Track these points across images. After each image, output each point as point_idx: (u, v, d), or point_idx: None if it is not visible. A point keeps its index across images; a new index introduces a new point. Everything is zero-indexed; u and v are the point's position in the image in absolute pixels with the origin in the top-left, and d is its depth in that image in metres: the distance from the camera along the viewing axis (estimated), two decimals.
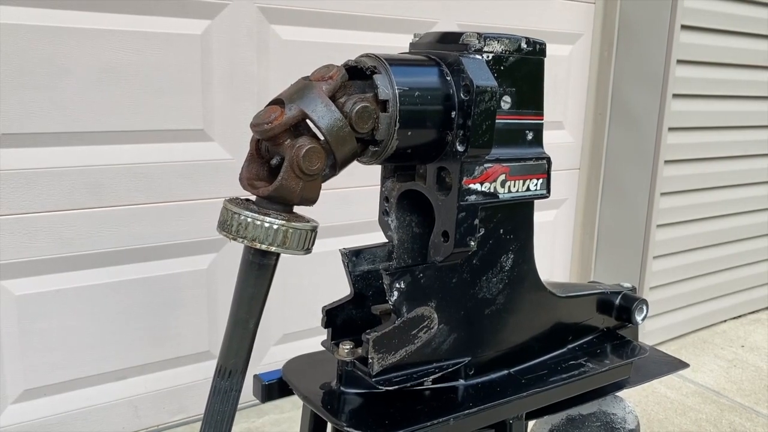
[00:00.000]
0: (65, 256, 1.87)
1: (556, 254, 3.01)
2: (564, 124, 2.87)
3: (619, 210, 2.88)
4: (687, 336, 3.12)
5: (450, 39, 0.97)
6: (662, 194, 2.78)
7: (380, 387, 0.96)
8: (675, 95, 2.68)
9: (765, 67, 2.97)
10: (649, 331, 2.94)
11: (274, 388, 1.09)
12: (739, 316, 3.36)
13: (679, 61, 2.64)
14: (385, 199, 1.09)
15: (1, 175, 1.73)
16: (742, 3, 2.80)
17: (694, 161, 2.87)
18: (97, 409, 2.00)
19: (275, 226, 0.82)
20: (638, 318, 1.28)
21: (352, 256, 1.05)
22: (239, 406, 2.27)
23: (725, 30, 2.77)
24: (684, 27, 2.62)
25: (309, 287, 2.27)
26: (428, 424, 0.95)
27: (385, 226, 1.09)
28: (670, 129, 2.71)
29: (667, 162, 2.75)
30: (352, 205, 2.28)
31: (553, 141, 2.86)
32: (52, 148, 1.81)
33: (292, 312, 2.28)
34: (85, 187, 1.86)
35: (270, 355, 2.29)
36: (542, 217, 2.92)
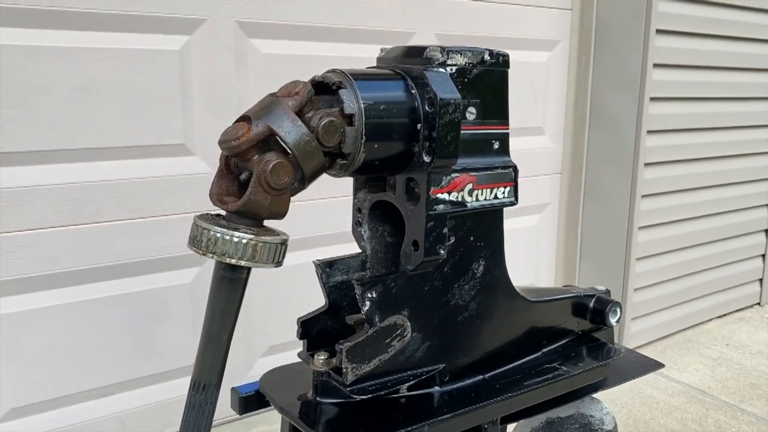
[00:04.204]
0: (49, 273, 1.88)
1: (541, 258, 3.04)
2: (544, 129, 2.90)
3: (601, 213, 2.91)
4: (672, 336, 3.15)
5: (414, 53, 1.00)
6: (643, 196, 2.81)
7: (355, 396, 0.98)
8: (652, 98, 2.71)
9: (740, 69, 3.02)
10: (635, 332, 2.97)
11: (252, 401, 1.11)
12: (724, 315, 3.40)
13: (656, 65, 2.68)
14: (357, 209, 1.11)
15: None
16: (715, 6, 2.84)
17: (673, 163, 2.91)
18: (84, 425, 2.00)
19: (244, 241, 0.84)
20: (612, 320, 1.30)
21: (326, 267, 1.06)
22: (227, 419, 2.27)
23: (700, 33, 2.81)
24: (659, 31, 2.66)
25: (294, 299, 2.28)
26: (403, 431, 0.97)
27: (358, 237, 1.11)
28: (649, 132, 2.75)
29: (646, 164, 2.78)
30: (335, 216, 2.30)
31: (534, 146, 2.90)
32: (32, 167, 1.82)
33: (278, 324, 2.29)
34: (67, 205, 1.87)
35: (257, 367, 2.30)
36: (526, 221, 2.95)
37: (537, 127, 2.87)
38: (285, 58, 2.15)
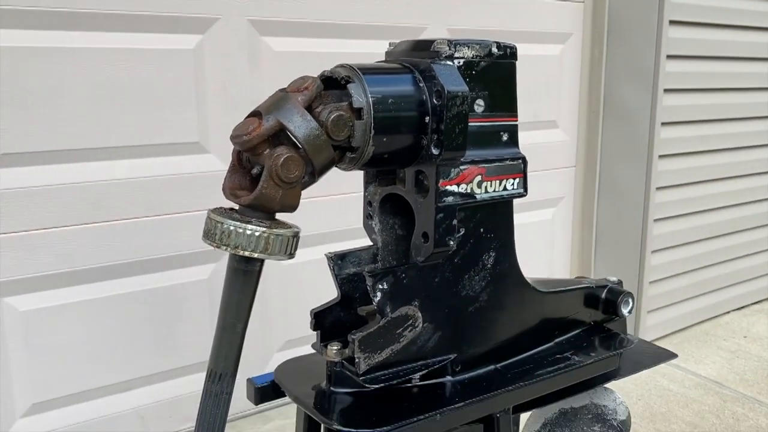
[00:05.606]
0: (68, 271, 1.91)
1: (556, 252, 3.03)
2: (558, 122, 2.89)
3: (615, 206, 2.90)
4: (689, 329, 3.13)
5: (422, 47, 1.01)
6: (658, 188, 2.80)
7: (368, 385, 0.99)
8: (666, 90, 2.70)
9: (753, 59, 2.99)
10: (651, 325, 2.95)
11: (267, 391, 1.13)
12: (742, 307, 3.37)
13: (669, 56, 2.67)
14: (368, 203, 1.12)
15: (3, 194, 1.77)
16: None
17: (687, 155, 2.89)
18: (105, 420, 2.03)
19: (257, 233, 0.86)
20: (624, 311, 1.31)
21: (338, 260, 1.08)
22: (245, 413, 2.29)
23: (713, 23, 2.79)
24: (672, 22, 2.64)
25: (310, 294, 2.28)
26: (415, 419, 0.98)
27: (369, 230, 1.13)
28: (663, 124, 2.73)
29: (661, 157, 2.77)
30: (349, 212, 2.31)
31: (547, 140, 2.89)
32: (51, 166, 1.85)
33: (294, 319, 2.31)
34: (84, 203, 1.90)
35: (274, 361, 2.32)
36: (540, 215, 2.95)
37: (550, 120, 2.86)
38: (297, 55, 2.17)
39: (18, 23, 1.73)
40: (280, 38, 2.15)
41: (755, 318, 3.28)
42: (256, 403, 1.13)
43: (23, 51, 1.74)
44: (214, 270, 2.15)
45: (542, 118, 2.82)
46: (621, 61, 2.77)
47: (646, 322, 2.92)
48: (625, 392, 2.57)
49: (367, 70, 0.94)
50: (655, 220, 2.83)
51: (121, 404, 2.06)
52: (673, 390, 2.57)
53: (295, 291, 2.29)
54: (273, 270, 2.09)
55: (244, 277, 0.90)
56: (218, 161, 2.08)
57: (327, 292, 2.42)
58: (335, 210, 2.30)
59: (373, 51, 2.28)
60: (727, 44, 2.87)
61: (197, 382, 2.18)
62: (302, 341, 2.33)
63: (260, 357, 2.29)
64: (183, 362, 2.15)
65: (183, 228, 2.05)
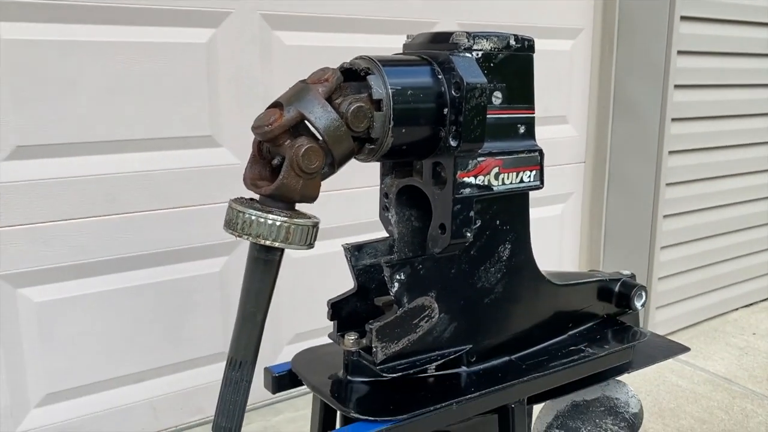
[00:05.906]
0: (82, 262, 1.93)
1: (565, 248, 3.04)
2: (568, 118, 2.90)
3: (625, 202, 2.90)
4: (698, 325, 3.13)
5: (441, 39, 1.02)
6: (667, 185, 2.79)
7: (385, 375, 1.00)
8: (677, 86, 2.70)
9: (765, 55, 2.98)
10: (660, 321, 2.96)
11: (285, 380, 1.14)
12: (751, 304, 3.37)
13: (680, 52, 2.67)
14: (384, 195, 1.13)
15: (18, 186, 1.79)
16: None
17: (698, 151, 2.89)
18: (117, 411, 2.05)
19: (278, 223, 0.87)
20: (637, 304, 1.31)
21: (355, 251, 1.09)
22: (255, 405, 2.31)
23: (724, 19, 2.78)
24: (683, 18, 2.64)
25: (319, 288, 2.31)
26: (431, 408, 0.99)
27: (385, 222, 1.14)
28: (673, 120, 2.73)
29: (671, 153, 2.77)
30: (361, 206, 2.32)
31: (557, 135, 2.89)
32: (65, 159, 1.86)
33: (304, 312, 2.32)
34: (98, 196, 1.91)
35: (284, 354, 2.34)
36: (549, 211, 2.95)
37: (560, 116, 2.87)
38: (308, 50, 2.18)
39: (31, 16, 1.74)
40: (292, 32, 2.16)
41: (764, 315, 3.27)
42: (274, 392, 1.14)
43: (37, 44, 1.75)
44: (226, 263, 2.16)
45: (552, 114, 2.82)
46: (631, 56, 2.76)
47: (654, 318, 2.92)
48: (634, 387, 2.58)
49: (387, 62, 0.95)
50: (665, 217, 2.83)
51: (134, 395, 2.08)
52: (682, 386, 2.58)
53: (305, 285, 2.30)
54: (284, 263, 2.11)
55: (264, 266, 0.91)
56: (230, 155, 2.09)
57: (337, 285, 2.43)
58: (346, 204, 2.30)
59: (384, 45, 2.29)
60: (738, 40, 2.86)
61: (209, 373, 2.20)
62: (312, 334, 2.34)
63: (270, 349, 2.30)
64: (195, 354, 2.16)
65: (195, 221, 2.07)
